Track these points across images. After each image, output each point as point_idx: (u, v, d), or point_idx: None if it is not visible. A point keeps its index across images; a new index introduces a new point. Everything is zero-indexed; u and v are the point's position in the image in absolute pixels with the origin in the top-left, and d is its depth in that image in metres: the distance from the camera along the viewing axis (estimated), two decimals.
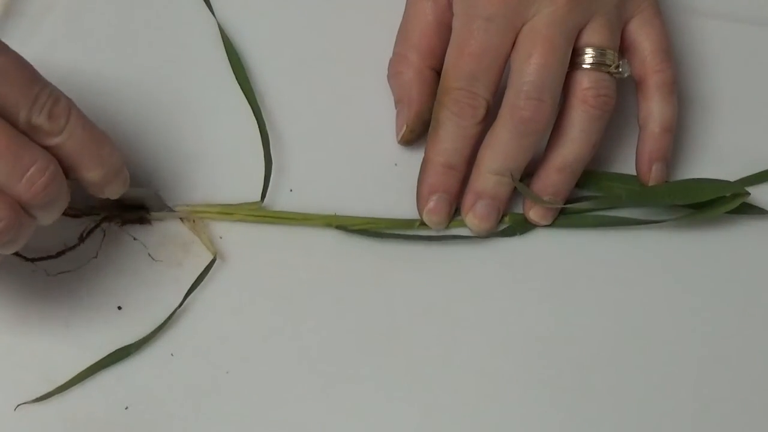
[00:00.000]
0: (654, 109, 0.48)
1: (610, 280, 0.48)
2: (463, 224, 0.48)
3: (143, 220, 0.46)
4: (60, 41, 0.50)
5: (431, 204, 0.47)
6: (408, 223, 0.48)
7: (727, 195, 0.47)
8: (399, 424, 0.44)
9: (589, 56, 0.46)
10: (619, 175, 0.50)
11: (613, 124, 0.48)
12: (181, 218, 0.47)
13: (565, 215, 0.49)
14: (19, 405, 0.42)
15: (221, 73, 0.50)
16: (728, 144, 0.52)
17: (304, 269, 0.47)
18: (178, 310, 0.45)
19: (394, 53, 0.50)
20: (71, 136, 0.37)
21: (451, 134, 0.46)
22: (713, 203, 0.48)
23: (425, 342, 0.46)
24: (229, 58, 0.50)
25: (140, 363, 0.44)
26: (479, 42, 0.45)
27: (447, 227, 0.48)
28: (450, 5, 0.47)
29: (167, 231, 0.47)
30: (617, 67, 0.47)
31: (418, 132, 0.49)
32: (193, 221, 0.47)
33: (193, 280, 0.45)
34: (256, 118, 0.49)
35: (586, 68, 0.46)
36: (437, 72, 0.48)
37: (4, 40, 0.36)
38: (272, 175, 0.48)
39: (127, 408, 0.43)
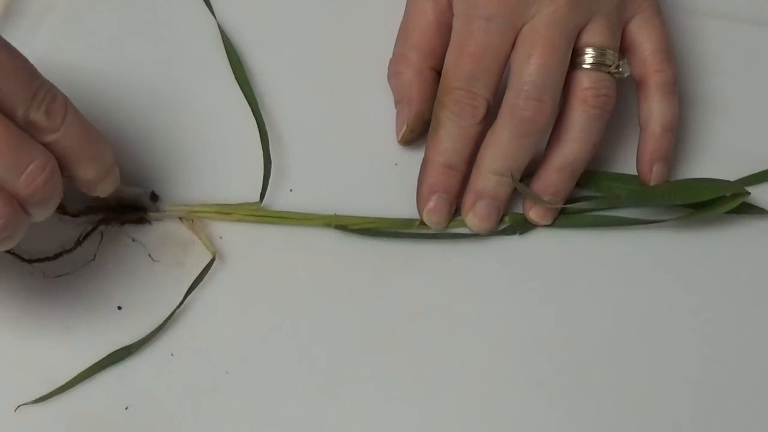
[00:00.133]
0: (654, 109, 0.48)
1: (609, 280, 0.48)
2: (463, 224, 0.48)
3: (142, 221, 0.46)
4: (60, 41, 0.50)
5: (431, 204, 0.47)
6: (408, 223, 0.48)
7: (727, 195, 0.47)
8: (399, 424, 0.44)
9: (589, 56, 0.46)
10: (619, 175, 0.50)
11: (613, 124, 0.48)
12: (180, 218, 0.47)
13: (565, 215, 0.49)
14: (19, 406, 0.42)
15: (221, 73, 0.50)
16: (728, 144, 0.52)
17: (304, 269, 0.47)
18: (178, 310, 0.45)
19: (395, 53, 0.50)
20: (67, 134, 0.37)
21: (451, 134, 0.46)
22: (713, 203, 0.48)
23: (425, 342, 0.46)
24: (229, 58, 0.50)
25: (140, 363, 0.44)
26: (479, 42, 0.45)
27: (447, 227, 0.48)
28: (450, 5, 0.47)
29: (166, 231, 0.47)
30: (617, 67, 0.47)
31: (418, 132, 0.49)
32: (193, 221, 0.47)
33: (193, 280, 0.45)
34: (256, 118, 0.49)
35: (587, 68, 0.46)
36: (437, 72, 0.48)
37: (4, 39, 0.36)
38: (272, 175, 0.48)
39: (127, 408, 0.43)
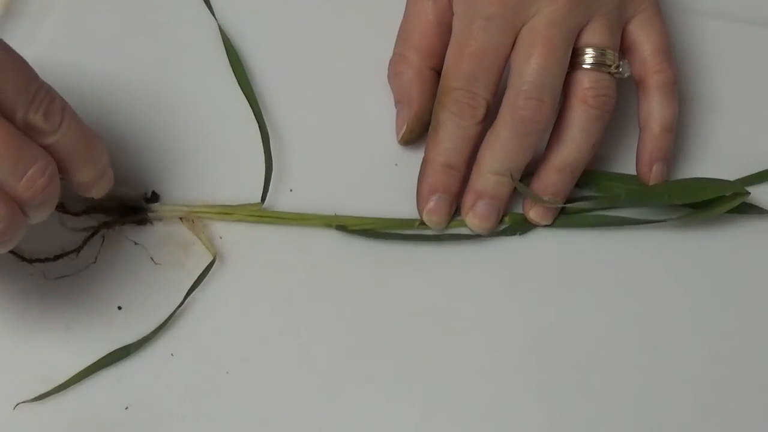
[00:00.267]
0: (654, 109, 0.48)
1: (609, 280, 0.48)
2: (463, 224, 0.48)
3: (143, 222, 0.46)
4: (60, 41, 0.50)
5: (431, 204, 0.47)
6: (408, 223, 0.48)
7: (727, 195, 0.47)
8: (399, 424, 0.44)
9: (589, 56, 0.46)
10: (619, 175, 0.50)
11: (613, 124, 0.48)
12: (180, 218, 0.47)
13: (565, 215, 0.49)
14: (18, 404, 0.42)
15: (221, 73, 0.50)
16: (728, 144, 0.52)
17: (304, 270, 0.47)
18: (178, 310, 0.45)
19: (394, 53, 0.50)
20: (65, 136, 0.37)
21: (451, 134, 0.46)
22: (713, 203, 0.48)
23: (425, 342, 0.46)
24: (229, 58, 0.50)
25: (140, 363, 0.44)
26: (479, 42, 0.45)
27: (447, 227, 0.48)
28: (450, 5, 0.47)
29: (167, 231, 0.47)
30: (617, 67, 0.47)
31: (418, 132, 0.49)
32: (193, 221, 0.47)
33: (193, 281, 0.45)
34: (256, 118, 0.49)
35: (586, 68, 0.46)
36: (437, 72, 0.48)
37: (3, 41, 0.36)
38: (272, 175, 0.48)
39: (127, 408, 0.43)
